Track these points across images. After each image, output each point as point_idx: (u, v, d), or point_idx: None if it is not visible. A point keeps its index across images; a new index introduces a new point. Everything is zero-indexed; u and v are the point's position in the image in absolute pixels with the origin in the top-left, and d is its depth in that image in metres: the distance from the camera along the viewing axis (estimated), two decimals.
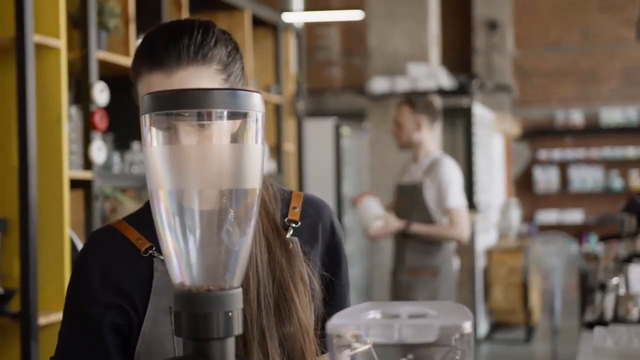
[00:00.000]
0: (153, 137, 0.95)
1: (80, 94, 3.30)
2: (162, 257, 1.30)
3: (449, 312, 0.90)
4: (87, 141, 3.23)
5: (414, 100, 4.38)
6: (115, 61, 3.42)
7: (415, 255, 4.21)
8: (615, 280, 2.82)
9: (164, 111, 0.95)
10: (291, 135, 5.45)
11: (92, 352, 1.31)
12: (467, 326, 0.85)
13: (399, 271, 4.29)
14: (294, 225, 1.39)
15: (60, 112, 2.99)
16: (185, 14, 4.03)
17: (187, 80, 1.25)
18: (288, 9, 6.38)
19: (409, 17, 6.54)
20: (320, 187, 4.53)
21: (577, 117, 10.70)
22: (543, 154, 10.78)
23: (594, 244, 10.20)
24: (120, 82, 3.60)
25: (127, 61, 3.52)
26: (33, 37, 2.87)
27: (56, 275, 2.96)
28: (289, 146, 5.41)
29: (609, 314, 2.62)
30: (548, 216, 10.75)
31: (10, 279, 2.92)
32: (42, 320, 2.88)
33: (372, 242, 6.32)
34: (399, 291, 4.27)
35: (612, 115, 10.56)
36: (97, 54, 3.28)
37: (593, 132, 10.66)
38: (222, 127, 0.94)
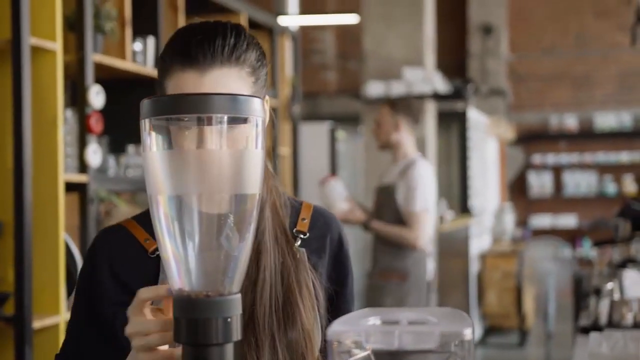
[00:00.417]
0: (153, 141, 0.95)
1: (76, 97, 3.29)
2: None
3: (449, 318, 0.89)
4: (82, 144, 3.22)
5: (395, 101, 4.41)
6: (111, 64, 3.42)
7: (386, 257, 4.16)
8: (609, 285, 2.82)
9: (163, 116, 0.95)
10: (286, 138, 5.45)
11: (107, 350, 1.31)
12: (468, 333, 0.85)
13: (372, 274, 4.26)
14: (302, 236, 1.38)
15: (56, 114, 2.98)
16: (181, 17, 4.02)
17: (220, 80, 1.23)
18: (283, 13, 6.36)
19: (404, 21, 6.54)
20: (315, 190, 4.52)
21: (571, 122, 10.71)
22: (537, 159, 10.79)
23: (587, 249, 10.20)
24: (116, 85, 3.60)
25: (123, 64, 3.51)
26: (29, 40, 2.87)
27: (51, 279, 2.95)
28: (284, 150, 5.40)
29: (603, 319, 2.62)
30: (542, 221, 10.75)
31: (5, 282, 2.91)
32: (37, 324, 2.86)
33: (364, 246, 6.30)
34: (370, 294, 4.23)
35: (606, 120, 10.57)
36: (93, 57, 3.27)
37: (587, 136, 10.67)
38: (222, 132, 0.94)
